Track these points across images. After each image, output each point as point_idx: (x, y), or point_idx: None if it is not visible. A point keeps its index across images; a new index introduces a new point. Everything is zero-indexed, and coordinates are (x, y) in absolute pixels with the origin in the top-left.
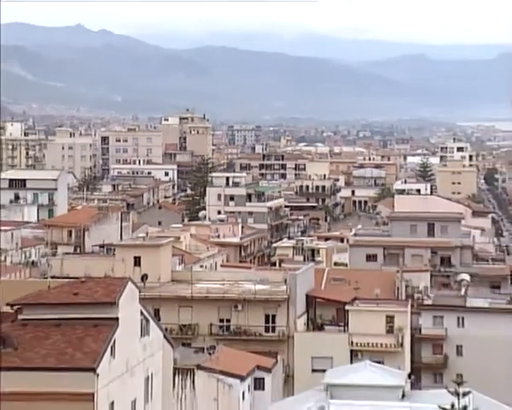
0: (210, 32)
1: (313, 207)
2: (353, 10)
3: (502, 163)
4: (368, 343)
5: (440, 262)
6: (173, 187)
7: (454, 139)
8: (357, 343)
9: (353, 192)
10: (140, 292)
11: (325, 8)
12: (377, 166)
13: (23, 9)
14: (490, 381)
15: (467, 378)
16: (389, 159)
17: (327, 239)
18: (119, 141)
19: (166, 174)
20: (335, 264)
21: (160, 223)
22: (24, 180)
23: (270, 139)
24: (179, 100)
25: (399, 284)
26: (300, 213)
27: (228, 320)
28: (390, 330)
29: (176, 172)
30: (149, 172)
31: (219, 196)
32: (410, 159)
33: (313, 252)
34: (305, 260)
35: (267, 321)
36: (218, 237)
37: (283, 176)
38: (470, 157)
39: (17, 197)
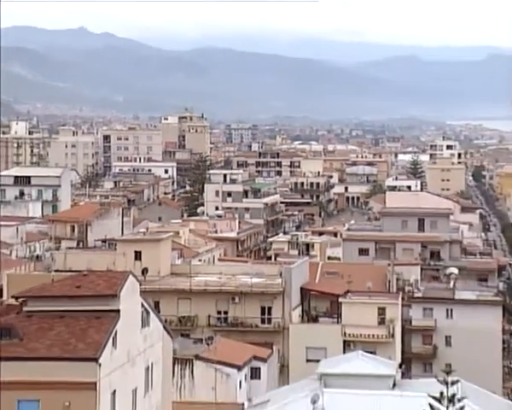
0: (209, 34)
1: (308, 203)
2: (348, 13)
3: (489, 161)
4: (360, 334)
5: (430, 256)
6: (173, 184)
7: (443, 138)
8: (349, 334)
9: (346, 189)
10: (140, 285)
11: (320, 11)
12: (369, 164)
13: (29, 13)
14: (477, 370)
15: (455, 368)
16: (381, 156)
17: (321, 234)
18: (121, 139)
19: (166, 171)
20: (329, 258)
21: (159, 218)
22: (28, 177)
23: (266, 138)
24: (179, 100)
25: (390, 278)
26: (295, 209)
27: (225, 312)
28: (382, 322)
29: (175, 170)
30: (149, 170)
31: (217, 192)
32: (400, 156)
33: (308, 246)
34: (299, 254)
35: (263, 313)
36: (216, 232)
37: (279, 173)
38: (459, 155)
39: (22, 193)
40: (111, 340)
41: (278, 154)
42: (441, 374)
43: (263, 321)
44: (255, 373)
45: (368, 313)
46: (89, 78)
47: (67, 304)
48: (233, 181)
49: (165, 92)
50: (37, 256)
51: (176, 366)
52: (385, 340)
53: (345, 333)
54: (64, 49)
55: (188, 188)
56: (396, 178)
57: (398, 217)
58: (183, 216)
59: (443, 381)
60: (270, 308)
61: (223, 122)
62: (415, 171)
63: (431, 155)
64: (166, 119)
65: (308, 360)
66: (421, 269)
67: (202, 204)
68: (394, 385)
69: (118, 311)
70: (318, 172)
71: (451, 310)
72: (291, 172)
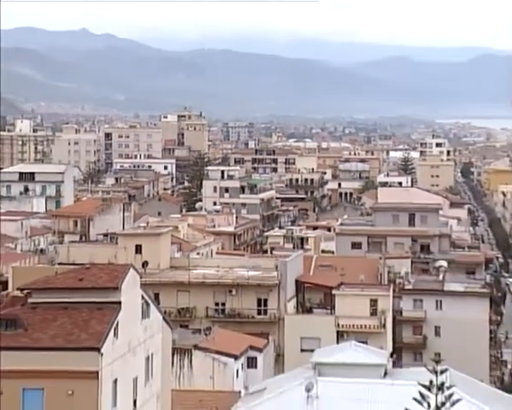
0: (209, 35)
1: (302, 198)
2: (343, 15)
3: (477, 158)
4: (353, 325)
5: (420, 249)
6: (172, 180)
7: (433, 135)
8: (342, 325)
9: (339, 185)
10: (141, 278)
11: (318, 13)
12: (362, 161)
13: (33, 15)
14: (465, 359)
15: (444, 357)
16: (373, 154)
17: (315, 228)
18: (122, 137)
19: (165, 168)
20: (323, 251)
21: (159, 213)
22: (33, 173)
23: (262, 135)
24: (178, 99)
25: (382, 270)
26: (290, 205)
27: (223, 304)
28: (373, 313)
29: (174, 166)
30: (149, 166)
31: (215, 188)
32: (392, 154)
33: (302, 240)
34: (294, 247)
35: (259, 304)
36: (214, 226)
37: (274, 170)
38: (448, 152)
39: (26, 189)
40: (112, 330)
41: (274, 151)
42: (431, 363)
43: (259, 312)
44: (252, 362)
45: (360, 304)
46: (91, 78)
47: (70, 296)
48: (230, 177)
49: (165, 92)
50: (41, 250)
51: (175, 355)
52: (377, 330)
53: (338, 324)
54: (67, 49)
55: (186, 184)
56: (387, 175)
57: (390, 212)
58: (181, 211)
59: (432, 370)
60: (265, 300)
61: (220, 120)
62: (405, 167)
63: (421, 152)
64: (166, 117)
65: (302, 350)
66: (412, 262)
67: (200, 200)
68: (386, 374)
69: (119, 303)
70: (312, 169)
71: (440, 301)
72: (286, 168)
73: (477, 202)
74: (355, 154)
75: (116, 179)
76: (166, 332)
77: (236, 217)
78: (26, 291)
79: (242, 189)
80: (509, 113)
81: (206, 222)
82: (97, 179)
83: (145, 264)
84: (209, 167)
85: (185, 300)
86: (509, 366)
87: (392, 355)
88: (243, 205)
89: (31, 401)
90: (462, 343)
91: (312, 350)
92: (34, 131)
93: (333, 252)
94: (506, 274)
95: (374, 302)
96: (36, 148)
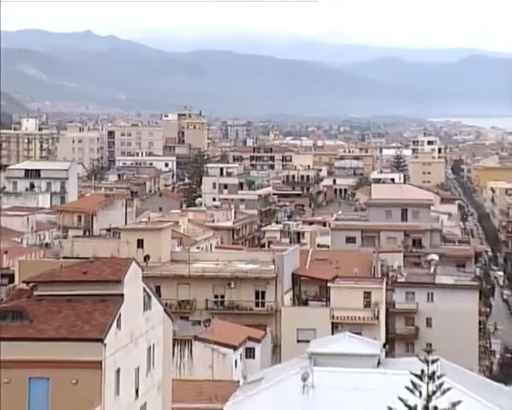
0: (209, 36)
1: (298, 194)
2: (338, 18)
3: (467, 155)
4: (347, 317)
5: (412, 244)
6: (172, 177)
7: (425, 134)
8: (337, 317)
9: (334, 181)
10: (143, 271)
11: (313, 15)
12: (356, 158)
13: (38, 17)
14: (456, 350)
15: (435, 347)
16: (367, 151)
17: (311, 223)
18: (124, 135)
19: (166, 165)
20: (318, 246)
21: (160, 209)
22: (38, 170)
23: (260, 134)
24: (178, 99)
25: (375, 264)
26: (287, 200)
27: (222, 296)
28: (367, 305)
29: (175, 163)
30: (151, 163)
31: (214, 184)
32: (385, 151)
33: (298, 235)
34: (291, 242)
35: (257, 297)
36: (213, 221)
37: (272, 167)
38: (439, 150)
39: (32, 186)
40: (115, 322)
41: (271, 149)
42: (422, 353)
43: (257, 305)
44: (250, 353)
45: (354, 296)
46: (94, 78)
47: (75, 289)
48: (229, 174)
49: (166, 92)
50: (47, 244)
51: (176, 346)
52: (370, 322)
53: (333, 316)
54: (71, 51)
55: (187, 180)
56: (381, 172)
57: (383, 207)
58: (182, 207)
59: (424, 360)
60: (263, 293)
61: (219, 119)
62: (398, 165)
63: (413, 149)
64: (167, 116)
65: (299, 341)
66: (404, 256)
67: (200, 196)
68: (379, 364)
69: (122, 295)
70: (308, 166)
71: (432, 294)
72: (283, 165)
73: (467, 198)
74: (349, 151)
75: (119, 176)
76: (167, 324)
77: (235, 212)
78: (31, 284)
79: (241, 185)
80: (499, 111)
81: (206, 217)
82: (100, 176)
83: (147, 258)
84: (208, 165)
85: (185, 292)
86: (497, 356)
87: (385, 346)
88: (241, 201)
89: (36, 389)
90: (452, 334)
91: (308, 341)
92: (40, 129)
93: (328, 246)
94: (495, 267)
95: (367, 295)
96: (41, 145)
